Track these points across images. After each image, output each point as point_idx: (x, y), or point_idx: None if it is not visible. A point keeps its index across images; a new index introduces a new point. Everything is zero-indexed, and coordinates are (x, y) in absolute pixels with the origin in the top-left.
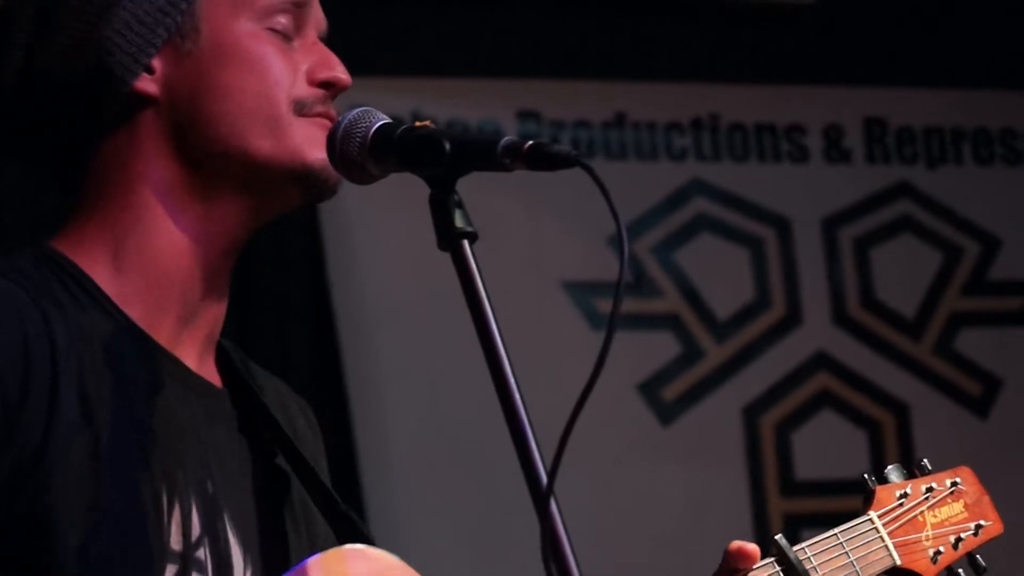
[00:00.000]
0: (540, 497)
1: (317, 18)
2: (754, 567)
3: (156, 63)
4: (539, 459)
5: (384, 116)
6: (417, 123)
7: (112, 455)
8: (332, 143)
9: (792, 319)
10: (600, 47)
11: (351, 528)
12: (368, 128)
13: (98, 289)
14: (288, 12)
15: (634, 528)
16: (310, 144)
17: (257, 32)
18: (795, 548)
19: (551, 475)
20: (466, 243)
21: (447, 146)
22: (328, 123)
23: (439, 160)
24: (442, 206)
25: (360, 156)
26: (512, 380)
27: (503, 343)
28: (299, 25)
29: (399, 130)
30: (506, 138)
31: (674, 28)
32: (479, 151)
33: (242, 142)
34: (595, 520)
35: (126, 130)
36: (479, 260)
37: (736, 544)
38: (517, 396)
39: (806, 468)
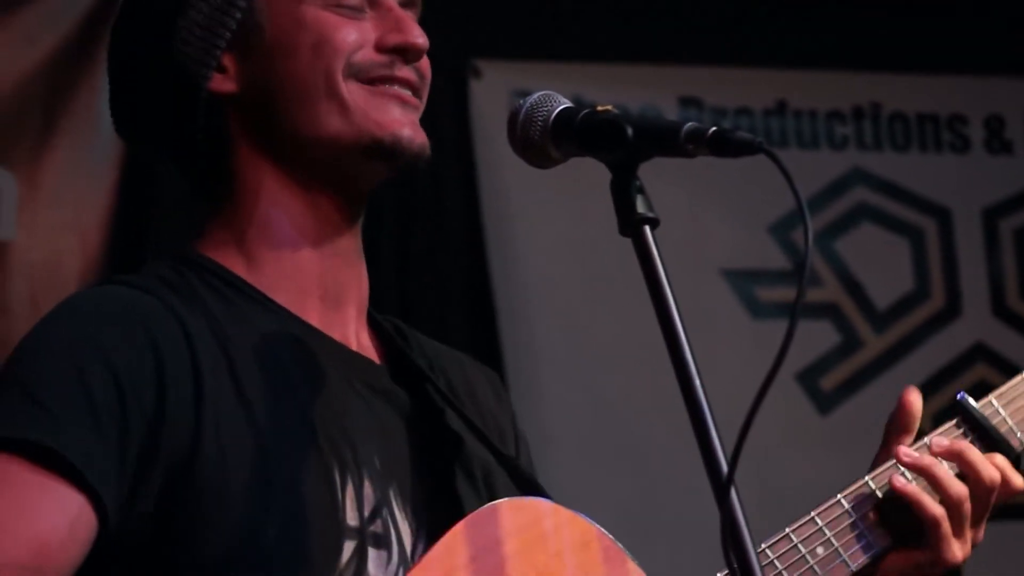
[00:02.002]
0: (720, 486)
1: None
2: (938, 431)
3: (227, 61)
4: (719, 448)
5: (565, 100)
6: (599, 107)
7: (278, 439)
8: (513, 126)
9: (951, 310)
10: (762, 34)
11: (532, 486)
12: (550, 112)
13: (243, 282)
14: None
15: (791, 517)
16: (377, 115)
17: (319, 12)
18: (980, 403)
19: (732, 464)
20: (647, 229)
21: (629, 131)
22: (395, 88)
23: (621, 145)
24: (624, 191)
25: (541, 140)
26: (693, 368)
27: (684, 330)
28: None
29: (581, 114)
30: (689, 123)
31: (836, 16)
32: (661, 136)
33: (311, 124)
34: (752, 508)
35: (222, 131)
36: None
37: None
38: (698, 384)
39: None
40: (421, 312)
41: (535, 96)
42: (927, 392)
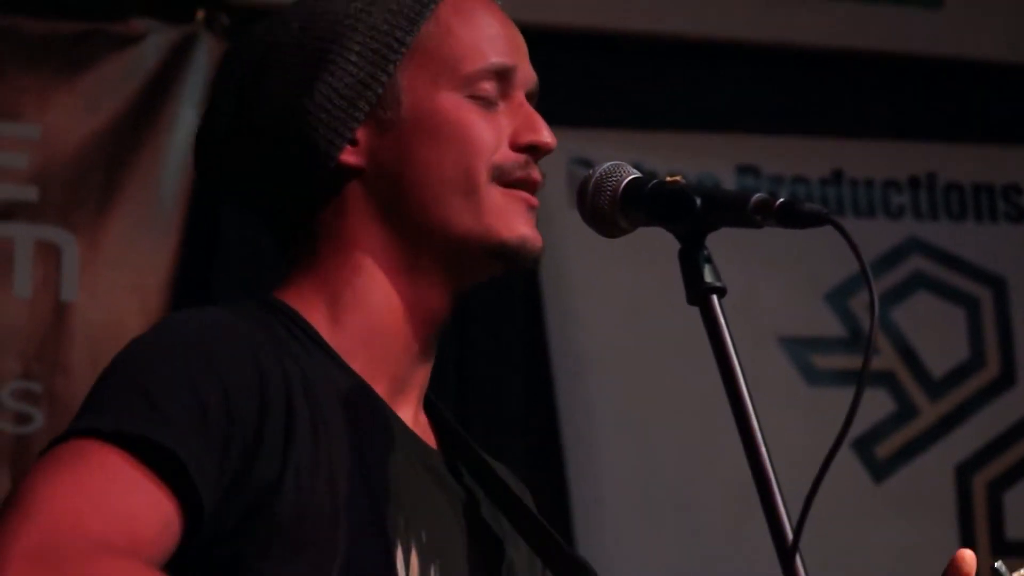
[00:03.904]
0: (785, 552)
1: (525, 78)
2: None
3: (360, 134)
4: (785, 514)
5: (634, 170)
6: (668, 178)
7: (343, 494)
8: (583, 196)
9: (1006, 378)
10: (818, 104)
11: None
12: (619, 182)
13: (321, 338)
14: (492, 79)
15: None
16: (508, 218)
17: (459, 102)
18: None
19: (797, 531)
20: (715, 298)
21: (698, 202)
22: (528, 194)
23: (689, 215)
24: (691, 261)
25: (610, 209)
26: (760, 436)
27: (751, 399)
28: (505, 89)
29: (649, 184)
30: (757, 195)
31: (892, 87)
32: (730, 207)
33: (442, 215)
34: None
35: (336, 198)
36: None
37: (964, 552)
38: (764, 452)
39: (1017, 528)
40: (478, 377)
41: (605, 166)
42: (981, 461)
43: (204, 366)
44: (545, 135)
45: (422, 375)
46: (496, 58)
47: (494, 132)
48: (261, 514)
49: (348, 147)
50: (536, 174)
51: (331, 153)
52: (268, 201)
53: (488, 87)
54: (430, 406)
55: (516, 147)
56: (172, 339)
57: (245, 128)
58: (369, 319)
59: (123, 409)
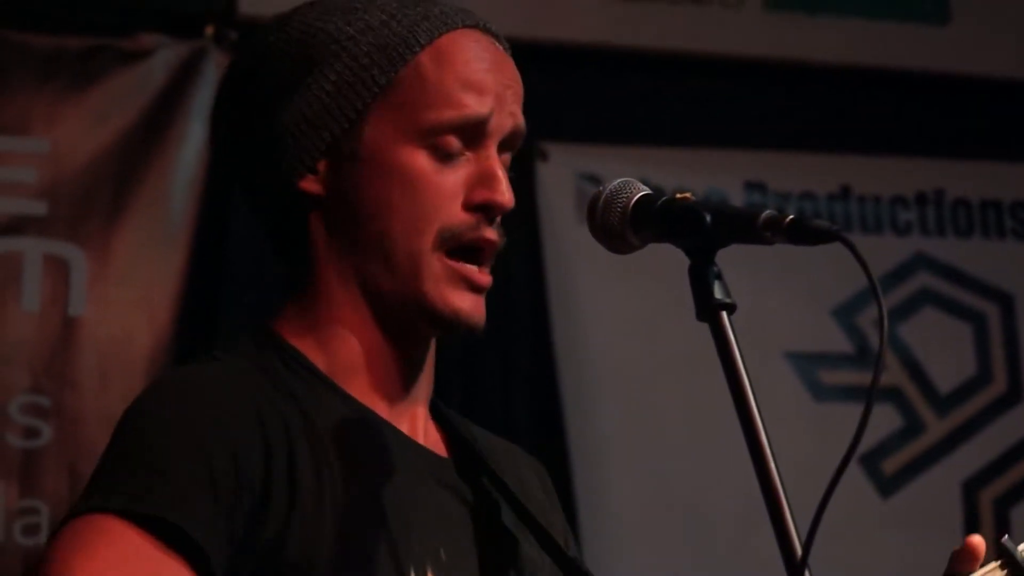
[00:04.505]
0: (795, 568)
1: (500, 126)
2: (981, 571)
3: (321, 165)
4: (795, 531)
5: (644, 187)
6: (678, 195)
7: (351, 530)
8: (593, 212)
9: (1013, 394)
10: (826, 120)
11: None
12: (629, 199)
13: (316, 368)
14: (457, 131)
15: None
16: (445, 290)
17: (415, 154)
18: (1021, 548)
19: (806, 547)
20: (724, 314)
21: (708, 218)
22: (475, 266)
23: (699, 232)
24: (701, 277)
25: (620, 226)
26: (769, 452)
27: (760, 415)
28: (473, 139)
29: (660, 201)
30: (767, 211)
31: (899, 103)
32: (739, 224)
33: (384, 273)
34: None
35: (304, 223)
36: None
37: (974, 538)
38: (774, 468)
39: None
40: (485, 394)
41: (615, 183)
42: (988, 477)
43: (212, 433)
44: (499, 194)
45: (422, 387)
46: (466, 110)
47: (448, 190)
48: (271, 562)
49: (309, 175)
50: (489, 234)
51: (292, 177)
52: (256, 215)
53: (451, 140)
54: (437, 412)
55: (469, 205)
56: (179, 405)
57: (230, 137)
58: (354, 347)
59: (138, 486)
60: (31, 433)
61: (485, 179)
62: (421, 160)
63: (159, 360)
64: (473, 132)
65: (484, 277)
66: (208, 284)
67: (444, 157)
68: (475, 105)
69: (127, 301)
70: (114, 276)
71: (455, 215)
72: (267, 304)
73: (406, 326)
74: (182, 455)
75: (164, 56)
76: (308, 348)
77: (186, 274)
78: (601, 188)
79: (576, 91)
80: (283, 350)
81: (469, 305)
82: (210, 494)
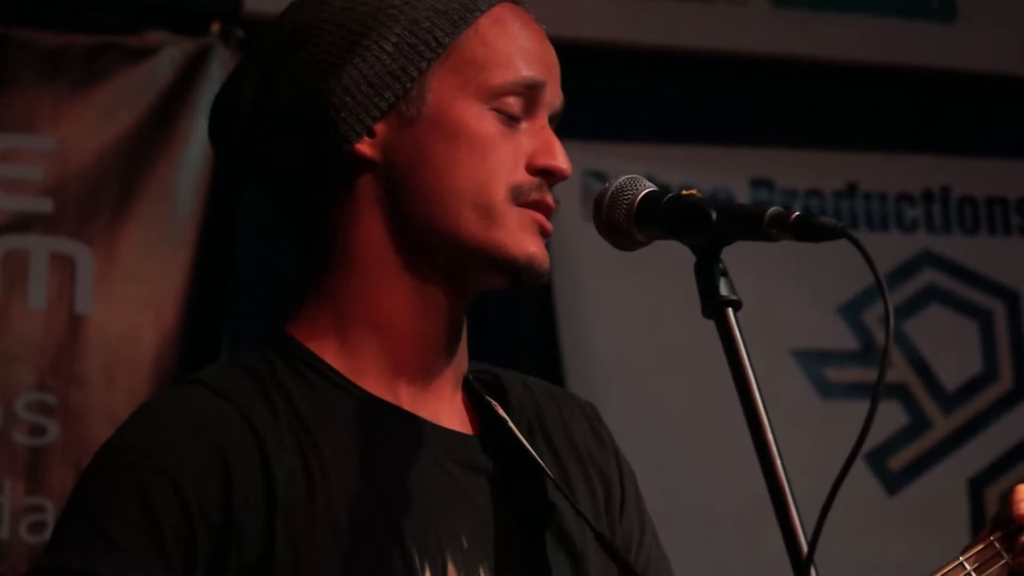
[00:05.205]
0: (800, 564)
1: (552, 98)
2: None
3: (379, 127)
4: (800, 528)
5: (650, 184)
6: (684, 192)
7: (356, 530)
8: (599, 209)
9: (1019, 391)
10: (832, 117)
11: (625, 568)
12: (635, 195)
13: (328, 367)
14: (520, 94)
15: None
16: (521, 236)
17: (482, 113)
18: None
19: (812, 543)
20: (730, 311)
21: (713, 215)
22: (542, 215)
23: (705, 229)
24: (707, 274)
25: (626, 223)
26: (775, 448)
27: (766, 411)
28: (530, 106)
29: (665, 198)
30: (773, 208)
31: (906, 101)
32: (745, 221)
33: (453, 223)
34: None
35: (347, 192)
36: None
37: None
38: (779, 464)
39: None
40: None
41: (621, 179)
42: (994, 474)
43: (154, 475)
44: (562, 161)
45: (452, 367)
46: (527, 72)
47: (512, 151)
48: None
49: (365, 137)
50: (550, 199)
51: (348, 139)
52: (283, 184)
53: (513, 103)
54: (469, 385)
55: (532, 169)
56: (123, 451)
57: (269, 102)
58: (379, 335)
59: (75, 544)
60: (37, 431)
61: (545, 145)
62: (488, 121)
63: (165, 357)
64: (532, 98)
65: (548, 226)
66: (215, 281)
67: (508, 120)
68: (537, 69)
69: (133, 299)
70: (120, 274)
71: (522, 174)
72: (273, 301)
73: (463, 281)
74: (125, 507)
75: (170, 54)
76: (323, 347)
77: (192, 272)
78: (607, 185)
79: (582, 88)
80: (292, 354)
81: (542, 251)
82: (155, 547)
